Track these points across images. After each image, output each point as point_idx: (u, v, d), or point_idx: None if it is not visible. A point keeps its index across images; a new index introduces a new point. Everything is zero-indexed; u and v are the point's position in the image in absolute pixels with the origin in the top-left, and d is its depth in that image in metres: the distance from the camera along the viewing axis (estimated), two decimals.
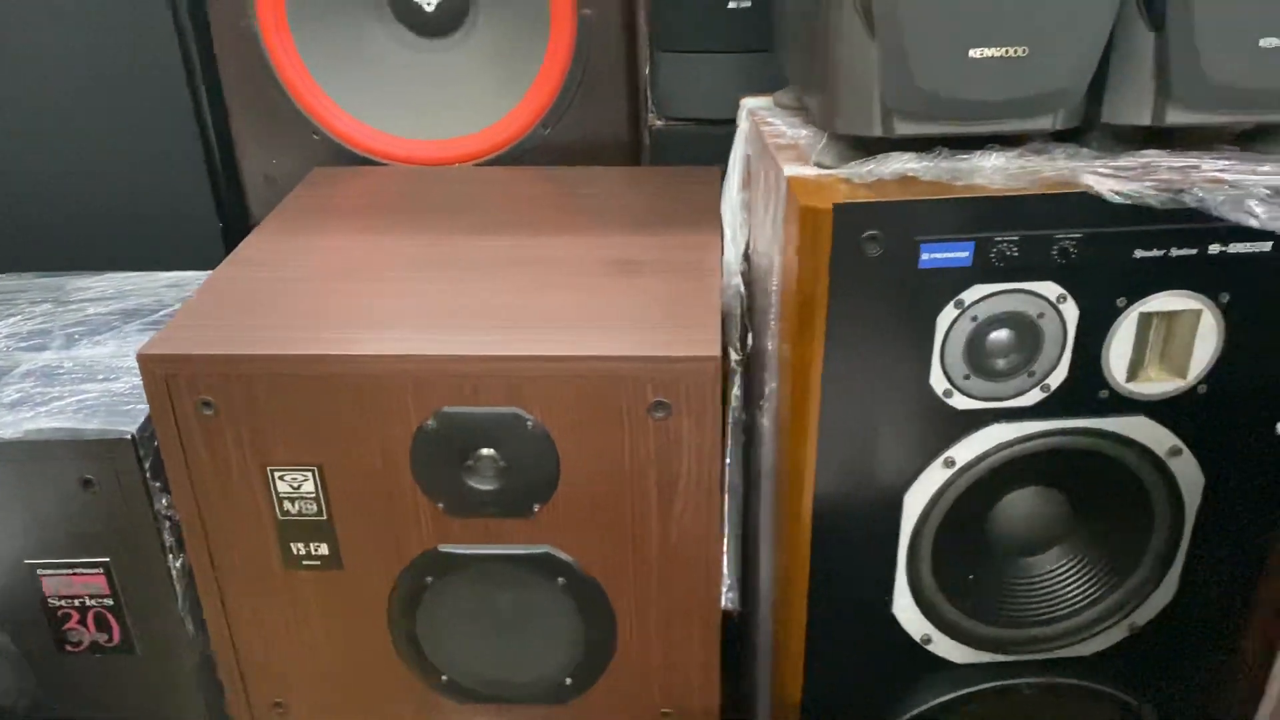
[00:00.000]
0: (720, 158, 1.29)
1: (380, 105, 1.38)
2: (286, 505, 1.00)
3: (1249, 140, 0.95)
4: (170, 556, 1.07)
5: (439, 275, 1.06)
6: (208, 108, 1.41)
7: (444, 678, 1.09)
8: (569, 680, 1.08)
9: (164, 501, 1.04)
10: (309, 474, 0.98)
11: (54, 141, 1.42)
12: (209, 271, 1.10)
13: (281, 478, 0.99)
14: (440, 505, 0.98)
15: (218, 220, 1.47)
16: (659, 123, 1.39)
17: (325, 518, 1.00)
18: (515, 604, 1.04)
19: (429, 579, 1.03)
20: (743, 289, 1.12)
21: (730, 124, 1.24)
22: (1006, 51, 0.82)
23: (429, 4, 1.34)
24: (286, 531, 1.01)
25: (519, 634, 1.06)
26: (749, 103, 1.16)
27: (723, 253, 1.10)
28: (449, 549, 1.01)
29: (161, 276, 1.34)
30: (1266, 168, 0.91)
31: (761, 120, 1.10)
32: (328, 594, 1.04)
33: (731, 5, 1.30)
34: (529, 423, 0.94)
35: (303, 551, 1.02)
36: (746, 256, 1.15)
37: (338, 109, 1.36)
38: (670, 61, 1.35)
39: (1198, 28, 0.82)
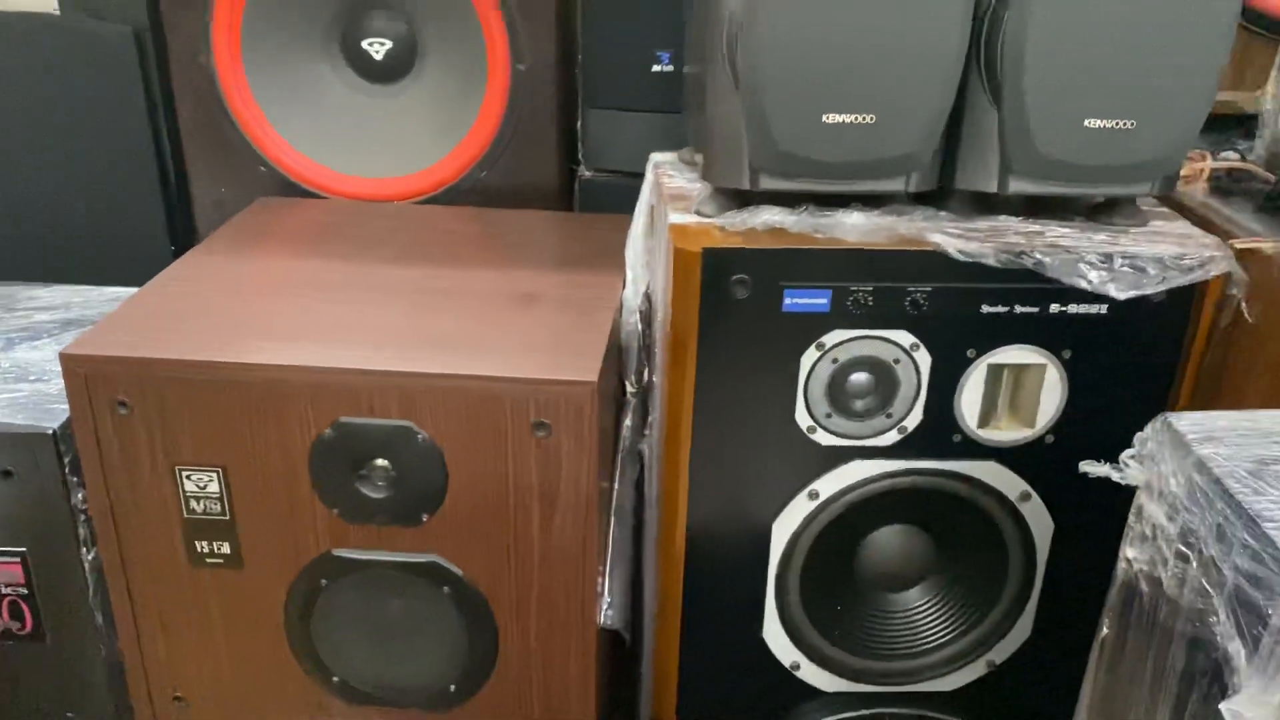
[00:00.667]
0: None
1: (326, 142, 1.46)
2: (193, 504, 1.07)
3: (1094, 212, 1.05)
4: (84, 550, 1.13)
5: (352, 297, 1.14)
6: (165, 137, 1.50)
7: (336, 679, 1.14)
8: (453, 687, 1.13)
9: (80, 496, 1.10)
10: (214, 475, 1.05)
11: (19, 161, 1.51)
12: None
13: (189, 477, 1.05)
14: (335, 511, 1.05)
15: (169, 242, 1.55)
16: (587, 173, 1.48)
17: (228, 518, 1.07)
18: (404, 610, 1.10)
19: (323, 581, 1.09)
20: (640, 326, 1.20)
21: None
22: (856, 118, 0.91)
23: (378, 52, 1.44)
24: (192, 529, 1.08)
25: (407, 640, 1.12)
26: (656, 157, 1.25)
27: (622, 291, 1.18)
28: (342, 553, 1.07)
29: (107, 291, 1.41)
30: (1101, 236, 1.00)
31: (664, 173, 1.19)
32: (229, 592, 1.10)
33: (655, 69, 1.40)
34: (420, 436, 1.01)
35: (206, 550, 1.09)
36: (648, 296, 1.23)
37: (285, 144, 1.45)
38: (599, 117, 1.45)
39: (1029, 107, 0.91)
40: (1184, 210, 1.10)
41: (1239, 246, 0.99)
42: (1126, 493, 1.04)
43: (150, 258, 1.52)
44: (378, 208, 1.43)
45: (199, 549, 1.09)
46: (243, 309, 1.11)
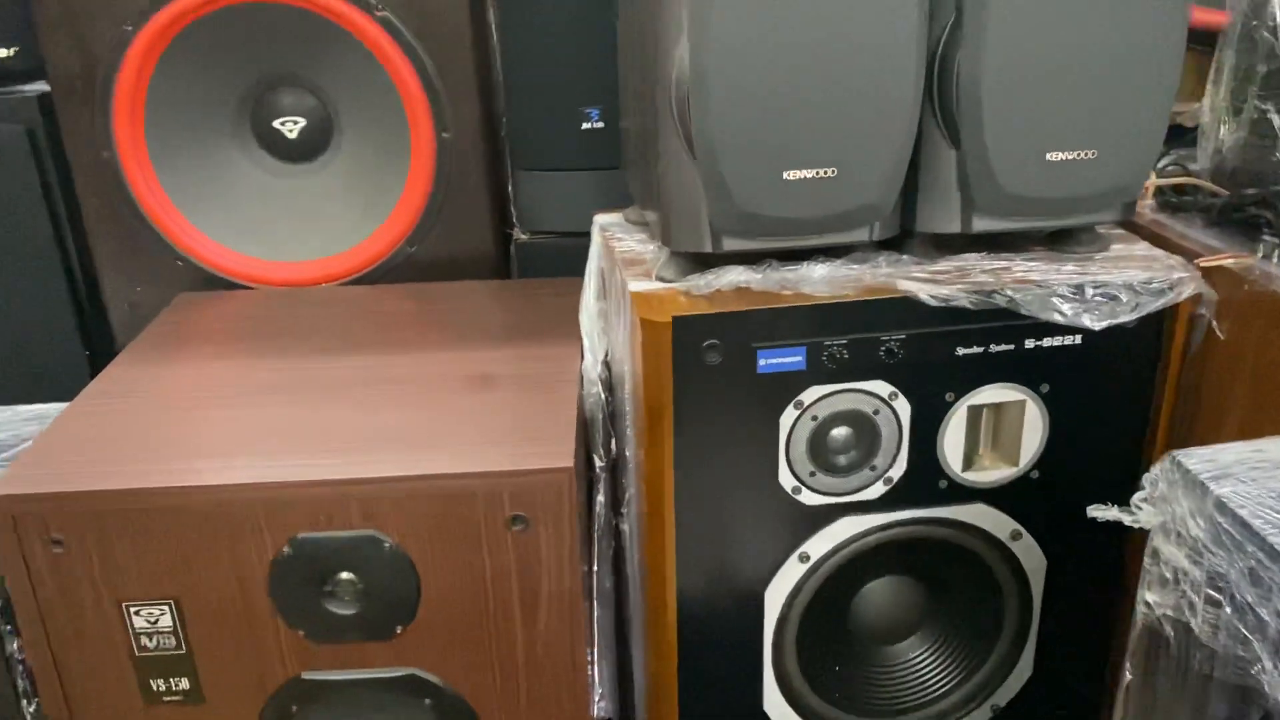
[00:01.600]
0: (583, 269, 1.33)
1: (244, 229, 1.39)
2: (144, 640, 0.98)
3: (1054, 240, 1.03)
4: (24, 702, 1.03)
5: (293, 399, 1.07)
6: (70, 239, 1.41)
7: None
8: None
9: (16, 645, 1.01)
10: (165, 608, 0.97)
11: None
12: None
13: (137, 613, 0.97)
14: (301, 632, 0.98)
15: (83, 350, 1.45)
16: (523, 237, 1.43)
17: (184, 651, 0.99)
18: None
19: (294, 708, 1.01)
20: (604, 395, 1.15)
21: (589, 235, 1.29)
22: (817, 173, 0.88)
23: (291, 131, 1.37)
24: (145, 668, 0.99)
25: None
26: (600, 219, 1.21)
27: (582, 361, 1.13)
28: (312, 676, 1.00)
29: (23, 410, 1.31)
30: (1069, 267, 0.98)
31: (611, 236, 1.15)
32: None
33: (585, 126, 1.36)
34: (386, 544, 0.94)
35: (163, 687, 1.00)
36: (607, 364, 1.19)
37: (200, 235, 1.37)
38: (530, 179, 1.40)
39: (990, 145, 0.89)
40: (1136, 229, 1.10)
41: (1205, 265, 0.98)
42: (1116, 525, 1.03)
43: (65, 368, 1.44)
44: (306, 294, 1.36)
45: (154, 687, 1.00)
46: (179, 424, 1.03)
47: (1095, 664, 1.14)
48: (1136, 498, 0.78)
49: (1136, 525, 0.78)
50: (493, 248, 1.44)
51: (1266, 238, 0.98)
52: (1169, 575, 0.76)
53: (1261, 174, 1.01)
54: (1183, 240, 1.05)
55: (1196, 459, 0.75)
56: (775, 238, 0.92)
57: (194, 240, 1.37)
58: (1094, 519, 1.05)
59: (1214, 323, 0.98)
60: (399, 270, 1.40)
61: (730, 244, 0.93)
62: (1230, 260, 0.97)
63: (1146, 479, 0.78)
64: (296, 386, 1.09)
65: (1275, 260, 0.96)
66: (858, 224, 0.93)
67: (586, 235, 1.37)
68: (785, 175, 0.88)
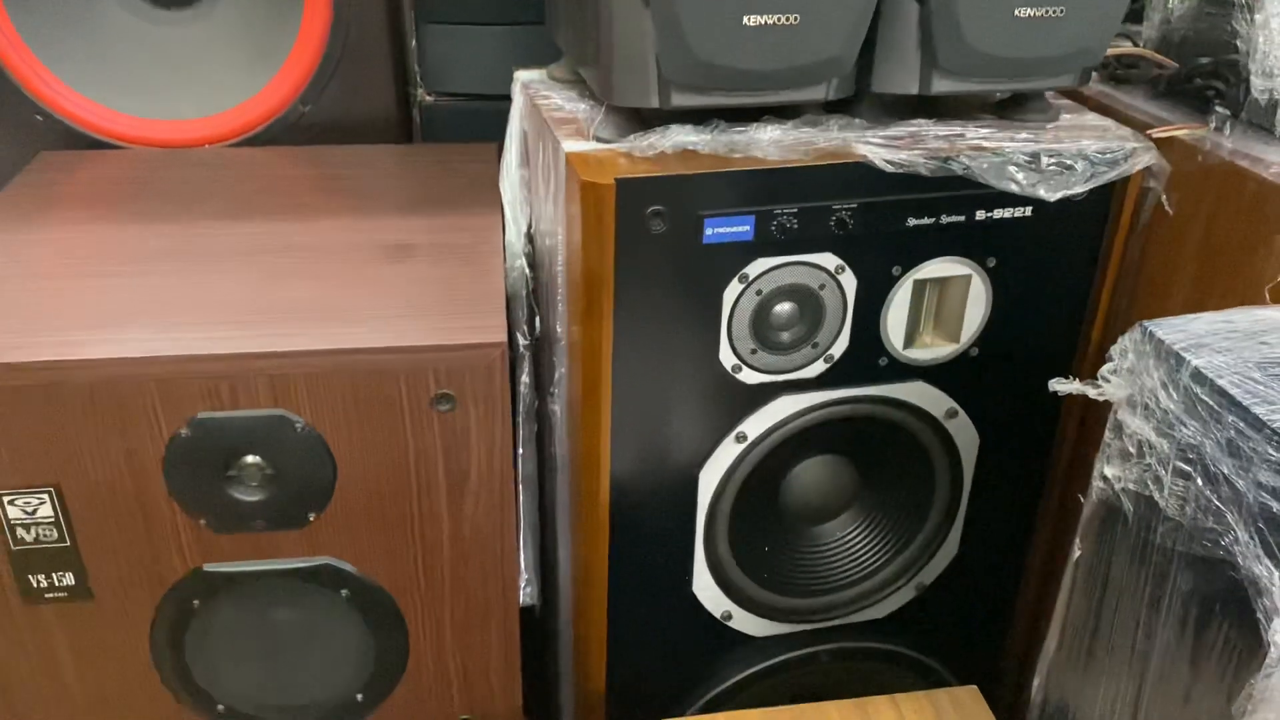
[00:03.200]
0: (494, 134, 1.23)
1: (114, 83, 1.24)
2: (20, 533, 0.88)
3: (1003, 108, 0.99)
4: None
5: (183, 267, 0.96)
6: None
7: (221, 707, 0.99)
8: (360, 696, 1.01)
9: None
10: (45, 496, 0.87)
11: None
12: None
13: (12, 503, 0.87)
14: (202, 521, 0.89)
15: None
16: (429, 98, 1.32)
17: (69, 544, 0.89)
18: (295, 621, 0.96)
19: (195, 602, 0.93)
20: (528, 271, 1.08)
21: (504, 99, 1.19)
22: (779, 19, 0.81)
23: None
24: (22, 562, 0.90)
25: (302, 653, 0.98)
26: (522, 76, 1.12)
27: (504, 233, 1.05)
28: (215, 568, 0.92)
29: None
30: (1024, 135, 0.94)
31: (537, 94, 1.05)
32: (78, 628, 0.93)
33: None
34: (298, 425, 0.86)
35: (44, 583, 0.91)
36: (530, 237, 1.11)
37: (64, 87, 1.22)
38: (437, 34, 1.29)
39: None
40: (1083, 100, 1.06)
41: (1157, 136, 0.95)
42: (1052, 401, 1.02)
43: None
44: (187, 155, 1.23)
45: (34, 583, 0.91)
46: (52, 294, 0.92)
47: (1018, 543, 1.15)
48: (1104, 369, 0.75)
49: (1101, 398, 0.76)
50: (394, 109, 1.32)
51: (1218, 109, 0.95)
52: (1132, 449, 0.74)
53: (1214, 44, 0.98)
54: (1130, 111, 1.03)
55: (1167, 329, 0.73)
56: (729, 92, 0.85)
57: (56, 92, 1.22)
58: (1029, 397, 1.06)
59: (1164, 195, 0.96)
60: (290, 132, 1.28)
61: (679, 99, 0.85)
62: (1183, 131, 0.95)
63: (1115, 350, 0.75)
64: (186, 253, 0.98)
65: (1227, 131, 0.94)
66: (815, 80, 0.86)
67: (496, 98, 1.27)
68: (745, 20, 0.80)
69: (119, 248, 0.99)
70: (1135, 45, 1.09)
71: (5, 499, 0.86)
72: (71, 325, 0.87)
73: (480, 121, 1.32)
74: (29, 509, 0.87)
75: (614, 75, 0.86)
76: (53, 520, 0.88)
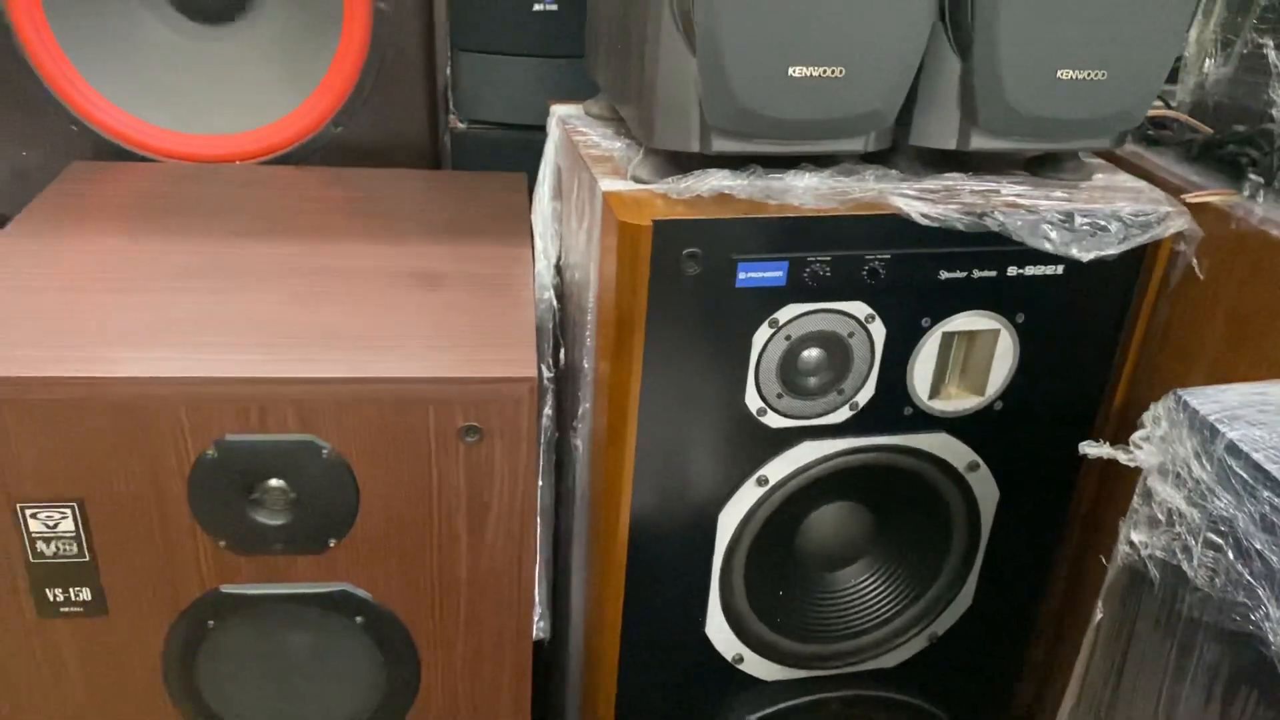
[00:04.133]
0: (524, 164, 1.24)
1: (149, 95, 1.25)
2: (41, 546, 0.88)
3: (1036, 165, 0.99)
4: None
5: (215, 286, 0.96)
6: None
7: None
8: None
9: None
10: (67, 511, 0.87)
11: None
12: None
13: (34, 516, 0.87)
14: (222, 543, 0.89)
15: None
16: (460, 125, 1.33)
17: (88, 559, 0.89)
18: (309, 646, 0.96)
19: (210, 623, 0.93)
20: (555, 303, 1.08)
21: (535, 129, 1.20)
22: (824, 71, 0.81)
23: None
24: (40, 575, 0.89)
25: (312, 677, 0.98)
26: (559, 110, 1.12)
27: (533, 265, 1.05)
28: (232, 590, 0.91)
29: None
30: (1058, 194, 0.95)
31: (573, 130, 1.06)
32: (91, 644, 0.93)
33: (537, 8, 1.25)
34: (324, 451, 0.86)
35: (60, 597, 0.90)
36: (559, 269, 1.11)
37: (100, 98, 1.23)
38: (472, 62, 1.29)
39: (1002, 57, 0.84)
40: (1115, 160, 1.07)
41: (1191, 201, 0.95)
42: (1073, 458, 1.02)
43: None
44: (219, 171, 1.24)
45: (51, 597, 0.90)
46: (84, 308, 0.92)
47: (1032, 597, 1.15)
48: (1136, 436, 0.75)
49: (1133, 464, 0.76)
50: (425, 134, 1.33)
51: (1251, 176, 0.96)
52: (1161, 516, 0.74)
53: (1250, 111, 0.98)
54: (1162, 174, 1.03)
55: (1201, 399, 0.73)
56: (770, 140, 0.86)
57: (92, 103, 1.22)
58: (1050, 454, 1.06)
59: (1194, 260, 0.96)
60: (321, 153, 1.29)
61: (720, 145, 0.86)
62: (1217, 198, 0.95)
63: (1147, 417, 0.75)
64: (219, 272, 0.98)
65: (1260, 199, 0.94)
66: (856, 132, 0.87)
67: (529, 128, 1.28)
68: (791, 71, 0.81)
69: (150, 263, 0.99)
70: (1169, 107, 1.10)
71: (28, 512, 0.86)
72: (101, 341, 0.87)
73: (509, 150, 1.32)
74: (51, 523, 0.87)
75: (656, 118, 0.87)
76: (74, 535, 0.88)
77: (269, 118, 1.27)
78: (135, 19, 1.24)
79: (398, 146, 1.31)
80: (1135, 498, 0.77)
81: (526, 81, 1.29)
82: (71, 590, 0.90)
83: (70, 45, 1.21)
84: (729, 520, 1.00)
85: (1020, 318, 0.97)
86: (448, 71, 1.33)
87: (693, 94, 0.84)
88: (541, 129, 1.15)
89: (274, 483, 0.88)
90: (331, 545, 0.90)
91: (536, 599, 1.01)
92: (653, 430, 0.94)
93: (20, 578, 0.89)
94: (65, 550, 0.88)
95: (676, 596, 1.03)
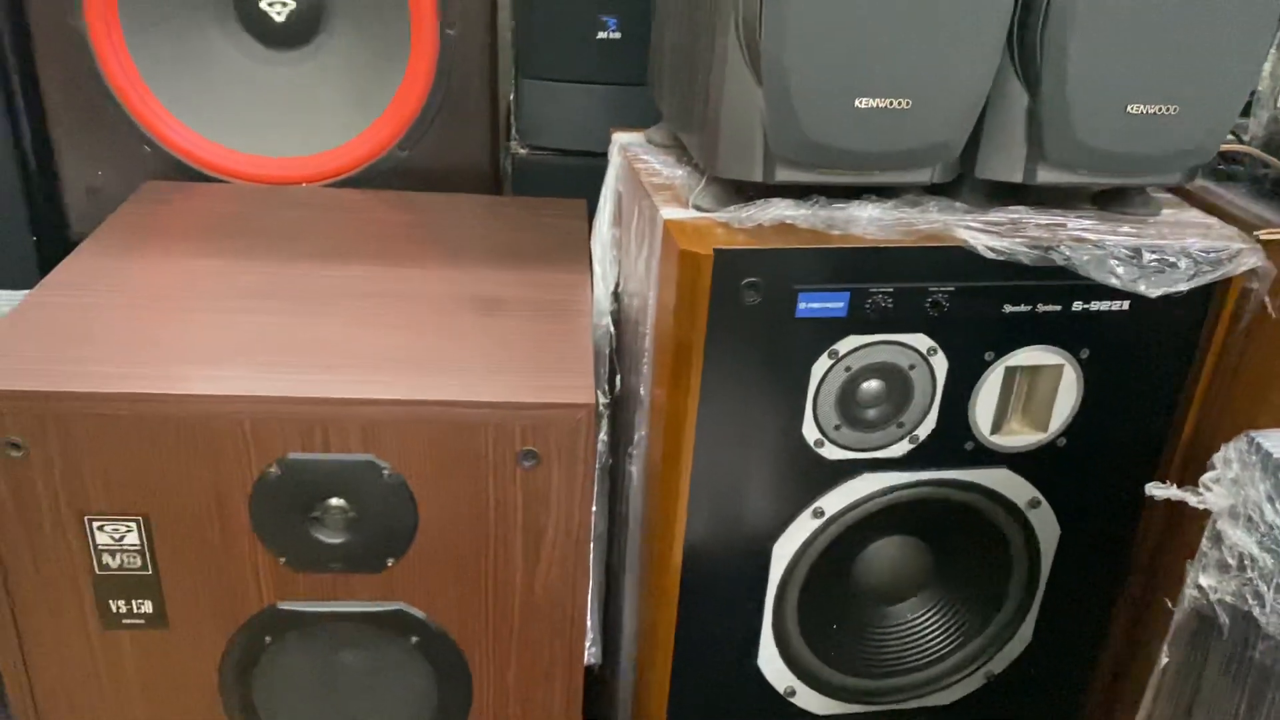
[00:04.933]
0: (584, 190, 1.25)
1: (221, 117, 1.28)
2: (106, 559, 0.90)
3: (1104, 199, 0.98)
4: None
5: (281, 306, 0.98)
6: (24, 111, 1.28)
7: None
8: None
9: None
10: (133, 524, 0.88)
11: None
12: (20, 291, 0.99)
13: (101, 528, 0.88)
14: (282, 559, 0.90)
15: (30, 233, 1.33)
16: (522, 150, 1.34)
17: (151, 572, 0.90)
18: (363, 664, 0.96)
19: (267, 639, 0.94)
20: (612, 329, 1.08)
21: (596, 156, 1.21)
22: (891, 103, 0.81)
23: (279, 14, 1.26)
24: (105, 587, 0.91)
25: (365, 695, 0.98)
26: (620, 138, 1.13)
27: (592, 291, 1.06)
28: (289, 606, 0.92)
29: None
30: (1125, 229, 0.93)
31: (635, 157, 1.07)
32: (150, 656, 0.94)
33: (601, 36, 1.26)
34: (385, 471, 0.87)
35: (123, 609, 0.92)
36: (616, 295, 1.11)
37: (173, 119, 1.26)
38: (535, 89, 1.31)
39: (1071, 91, 0.83)
40: (1185, 195, 1.05)
41: (1264, 238, 0.94)
42: (1137, 497, 1.00)
43: (10, 252, 1.31)
44: (286, 193, 1.26)
45: (114, 609, 0.92)
46: (155, 325, 0.94)
47: (1092, 637, 1.12)
48: (1206, 478, 0.74)
49: (1202, 507, 0.74)
50: (487, 159, 1.34)
51: None
52: (1231, 561, 0.72)
53: None
54: (1232, 209, 1.01)
55: (1275, 441, 0.71)
56: (834, 171, 0.86)
57: (165, 125, 1.25)
58: (1113, 492, 1.03)
59: (1267, 299, 0.94)
60: (386, 176, 1.31)
61: (784, 175, 0.86)
62: None
63: (1217, 459, 0.74)
64: (285, 293, 1.00)
65: None
66: (922, 163, 0.87)
67: (589, 154, 1.30)
68: (858, 102, 0.81)
69: (218, 281, 1.02)
70: (1241, 141, 1.08)
71: (95, 525, 0.88)
72: (171, 358, 0.88)
73: (569, 176, 1.33)
74: (117, 535, 0.89)
75: (720, 147, 0.87)
76: (138, 548, 0.89)
77: (336, 141, 1.29)
78: (209, 43, 1.26)
79: (460, 170, 1.33)
80: (1204, 540, 0.75)
81: (588, 108, 1.30)
82: (134, 602, 0.92)
83: (146, 67, 1.24)
84: (784, 551, 1.00)
85: (1085, 353, 0.96)
86: (511, 97, 1.35)
87: (757, 123, 0.84)
88: (602, 155, 1.16)
89: (335, 501, 0.89)
90: (389, 565, 0.91)
91: (589, 624, 1.01)
92: (708, 459, 0.94)
93: (86, 589, 0.91)
94: (129, 563, 0.90)
95: (729, 627, 1.02)
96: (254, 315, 0.96)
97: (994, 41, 0.81)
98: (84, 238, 1.11)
